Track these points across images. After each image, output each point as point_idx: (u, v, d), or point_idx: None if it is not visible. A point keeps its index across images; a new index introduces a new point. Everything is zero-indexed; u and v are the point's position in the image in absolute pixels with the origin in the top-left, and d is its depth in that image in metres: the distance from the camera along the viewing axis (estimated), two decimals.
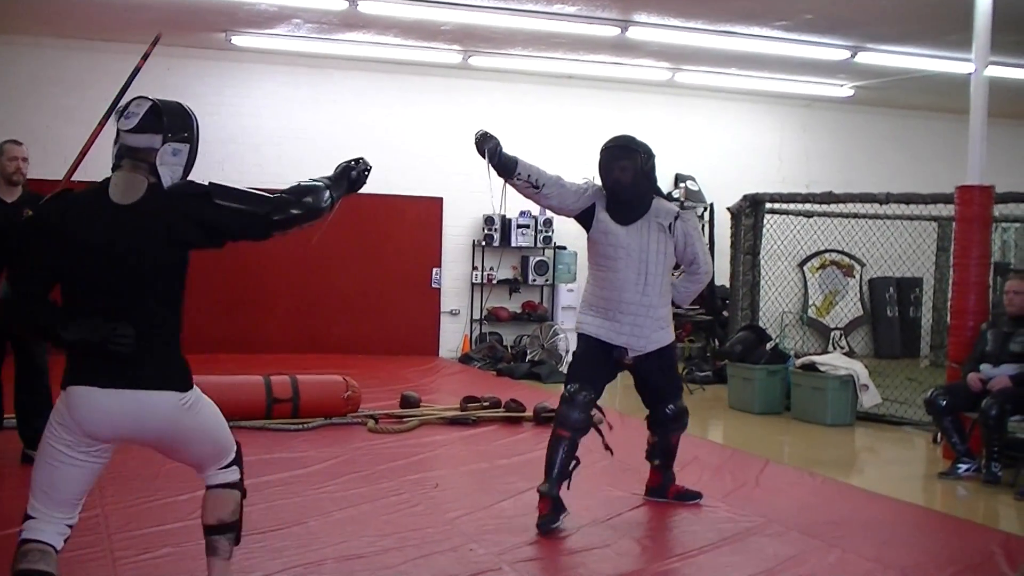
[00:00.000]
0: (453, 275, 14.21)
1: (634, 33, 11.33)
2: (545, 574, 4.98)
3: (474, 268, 14.21)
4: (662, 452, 6.31)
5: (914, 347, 15.45)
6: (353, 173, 3.92)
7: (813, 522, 5.93)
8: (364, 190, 4.02)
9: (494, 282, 14.24)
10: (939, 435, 8.04)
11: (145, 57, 5.13)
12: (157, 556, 4.88)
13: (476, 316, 14.25)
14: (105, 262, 3.51)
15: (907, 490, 7.03)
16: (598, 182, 5.88)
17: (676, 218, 5.86)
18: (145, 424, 3.57)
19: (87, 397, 3.50)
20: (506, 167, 5.56)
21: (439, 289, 14.04)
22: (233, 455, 3.88)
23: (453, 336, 14.21)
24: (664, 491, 6.34)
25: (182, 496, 5.86)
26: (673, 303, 6.05)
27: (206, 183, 3.64)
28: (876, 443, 8.98)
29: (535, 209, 13.63)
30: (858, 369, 9.69)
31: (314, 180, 3.79)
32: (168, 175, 3.61)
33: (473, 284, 14.23)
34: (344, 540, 5.23)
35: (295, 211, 3.66)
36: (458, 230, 14.15)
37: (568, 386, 5.80)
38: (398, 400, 9.26)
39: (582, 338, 5.92)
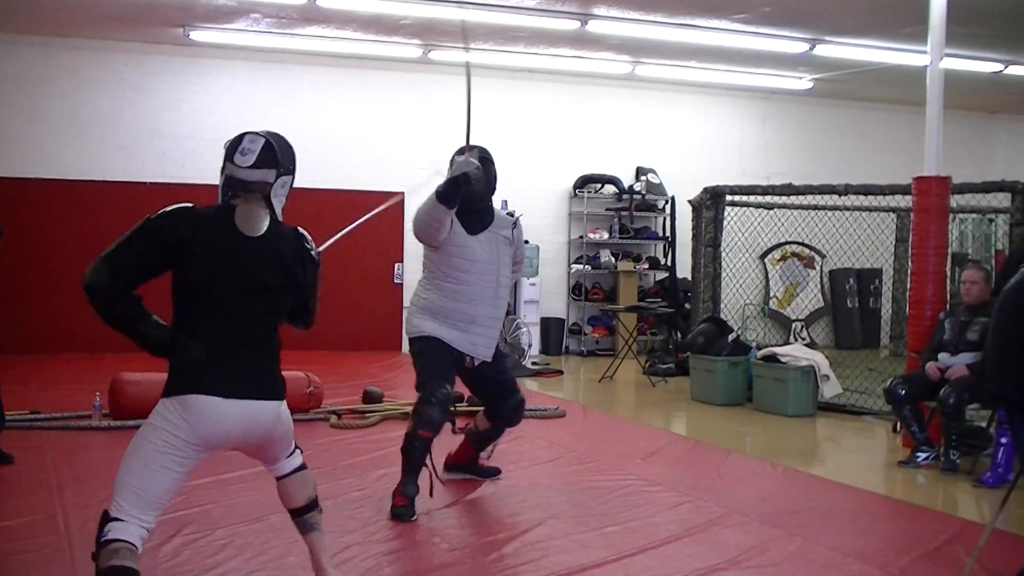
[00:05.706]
0: (416, 270, 14.07)
1: (594, 26, 11.36)
2: (510, 567, 4.97)
3: None
4: (484, 438, 6.45)
5: (874, 337, 15.61)
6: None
7: (774, 512, 5.98)
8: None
9: None
10: (899, 424, 8.12)
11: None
12: None
13: None
14: (232, 286, 3.67)
15: (867, 479, 7.10)
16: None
17: (514, 227, 6.06)
18: (252, 430, 3.75)
19: (211, 406, 3.60)
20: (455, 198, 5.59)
21: (402, 284, 13.98)
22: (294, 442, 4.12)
23: None
24: (470, 468, 6.56)
25: None
26: None
27: (317, 259, 3.97)
28: (837, 433, 9.05)
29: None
30: (819, 360, 9.76)
31: None
32: (279, 206, 3.82)
33: None
34: None
35: (310, 321, 4.15)
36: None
37: (425, 385, 5.76)
38: (361, 396, 9.24)
39: (424, 339, 5.87)
